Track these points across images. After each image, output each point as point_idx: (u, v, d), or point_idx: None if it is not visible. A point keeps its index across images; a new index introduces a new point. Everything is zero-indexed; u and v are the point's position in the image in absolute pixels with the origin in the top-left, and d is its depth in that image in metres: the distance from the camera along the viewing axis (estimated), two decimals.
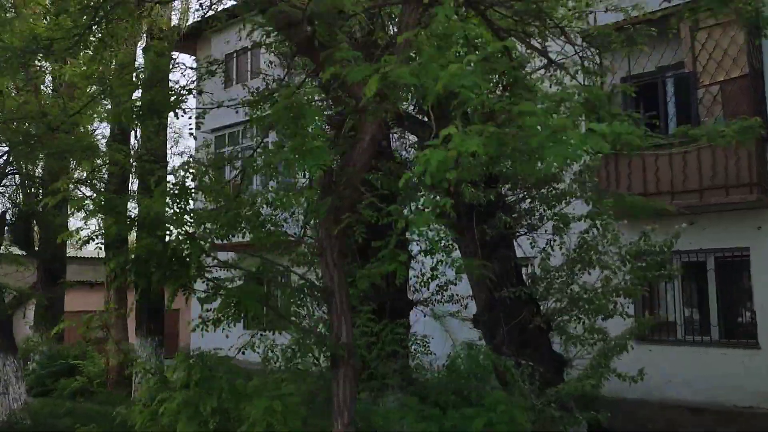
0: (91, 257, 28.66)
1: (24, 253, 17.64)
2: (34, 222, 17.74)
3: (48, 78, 15.13)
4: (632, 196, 6.36)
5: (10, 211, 13.08)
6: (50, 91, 14.20)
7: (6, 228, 12.25)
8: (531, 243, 6.77)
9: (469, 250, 6.71)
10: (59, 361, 16.77)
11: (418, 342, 7.15)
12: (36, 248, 18.01)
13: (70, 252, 20.64)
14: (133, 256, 3.96)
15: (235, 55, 19.46)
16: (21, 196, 16.57)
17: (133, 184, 15.99)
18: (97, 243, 4.38)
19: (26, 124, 8.66)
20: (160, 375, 4.35)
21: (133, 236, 7.18)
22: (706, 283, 10.97)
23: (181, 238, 3.37)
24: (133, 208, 14.88)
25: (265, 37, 7.24)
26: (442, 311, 9.10)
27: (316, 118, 5.33)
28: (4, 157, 9.95)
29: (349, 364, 3.78)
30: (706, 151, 9.78)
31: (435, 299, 8.14)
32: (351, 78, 2.99)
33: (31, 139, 8.82)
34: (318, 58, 3.92)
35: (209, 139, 18.95)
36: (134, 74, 14.73)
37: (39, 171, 16.87)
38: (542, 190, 6.82)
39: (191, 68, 11.79)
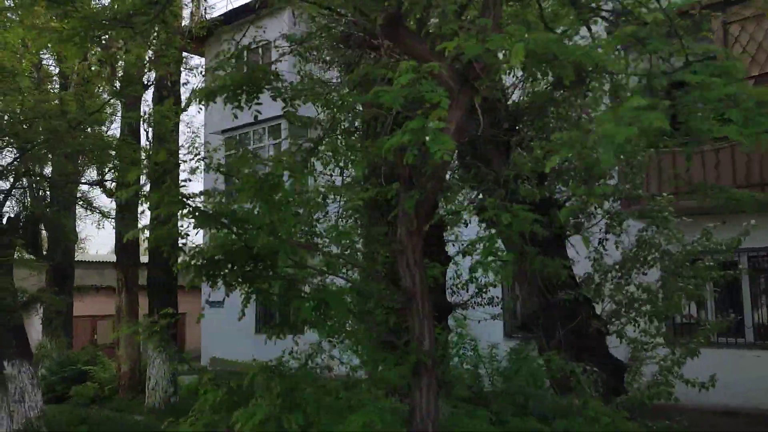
0: (95, 261, 28.33)
1: (32, 257, 17.34)
2: (42, 225, 17.44)
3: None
4: (735, 190, 5.93)
5: (17, 215, 12.74)
6: (55, 91, 13.93)
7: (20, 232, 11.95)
8: (585, 241, 6.47)
9: (516, 250, 6.42)
10: (69, 367, 16.45)
11: (465, 346, 6.85)
12: (44, 252, 17.69)
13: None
14: (192, 254, 3.63)
15: (244, 54, 19.17)
16: (29, 199, 16.26)
17: (146, 186, 15.67)
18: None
19: (47, 121, 8.35)
20: (229, 387, 4.02)
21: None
22: (739, 283, 10.71)
23: (269, 236, 3.04)
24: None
25: (312, 24, 6.93)
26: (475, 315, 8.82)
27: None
28: (13, 158, 9.60)
29: (433, 372, 3.49)
30: (727, 151, 9.52)
31: (474, 302, 7.87)
32: (469, 52, 2.70)
33: (53, 137, 8.51)
34: (404, 38, 3.62)
35: (219, 140, 18.60)
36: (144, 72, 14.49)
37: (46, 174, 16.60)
38: (595, 185, 6.53)
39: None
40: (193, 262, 3.49)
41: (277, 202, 3.16)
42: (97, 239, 59.52)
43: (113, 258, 31.69)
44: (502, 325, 14.03)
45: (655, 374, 5.42)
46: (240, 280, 3.42)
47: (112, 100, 11.28)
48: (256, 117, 5.60)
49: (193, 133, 13.65)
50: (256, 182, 3.08)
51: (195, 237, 18.72)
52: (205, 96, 4.49)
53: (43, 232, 17.90)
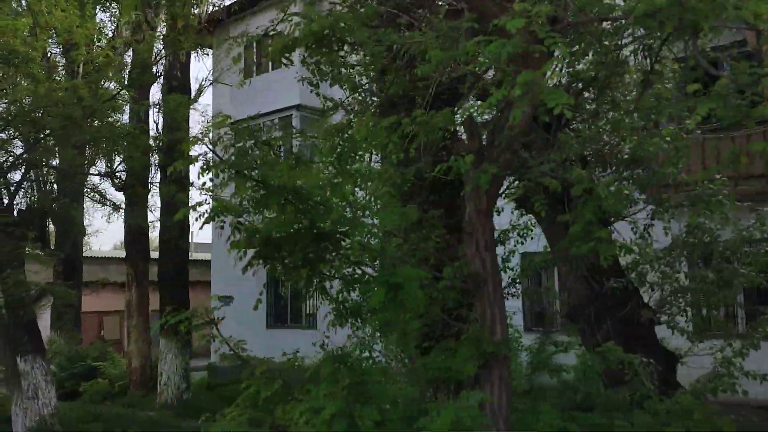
0: (100, 257, 28.06)
1: (39, 251, 17.05)
2: (49, 219, 17.13)
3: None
4: None
5: (28, 207, 12.43)
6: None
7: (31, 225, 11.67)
8: (633, 228, 6.19)
9: (560, 237, 6.14)
10: (79, 363, 16.18)
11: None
12: (52, 246, 17.39)
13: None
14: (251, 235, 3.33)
15: (254, 44, 18.88)
16: (35, 192, 15.94)
17: (155, 176, 15.38)
18: (219, 221, 3.76)
19: (61, 108, 8.04)
20: (284, 381, 3.73)
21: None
22: None
23: (339, 215, 2.73)
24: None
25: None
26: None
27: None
28: (26, 148, 9.27)
29: (506, 364, 3.21)
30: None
31: (509, 292, 7.57)
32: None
33: (68, 123, 8.20)
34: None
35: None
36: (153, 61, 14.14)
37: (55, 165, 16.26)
38: (637, 171, 6.24)
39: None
40: (243, 243, 3.16)
41: (352, 173, 2.86)
42: (99, 234, 58.91)
43: (117, 253, 31.47)
44: (522, 318, 13.77)
45: (714, 366, 5.14)
46: (300, 263, 3.10)
47: (123, 90, 10.95)
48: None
49: (208, 122, 13.26)
50: (332, 150, 2.77)
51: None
52: (282, 49, 4.06)
53: (51, 226, 17.62)
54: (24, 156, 8.30)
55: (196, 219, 4.01)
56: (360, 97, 8.20)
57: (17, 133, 8.62)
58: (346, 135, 3.32)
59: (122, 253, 30.20)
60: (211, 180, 3.48)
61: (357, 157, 3.51)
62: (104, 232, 57.26)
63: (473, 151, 3.22)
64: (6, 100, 8.18)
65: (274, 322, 18.57)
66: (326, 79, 8.31)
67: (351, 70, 8.42)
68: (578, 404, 4.82)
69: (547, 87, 2.28)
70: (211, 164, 3.32)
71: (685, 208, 5.84)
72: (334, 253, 3.16)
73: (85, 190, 14.92)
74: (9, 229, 9.27)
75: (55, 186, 15.83)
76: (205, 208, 3.87)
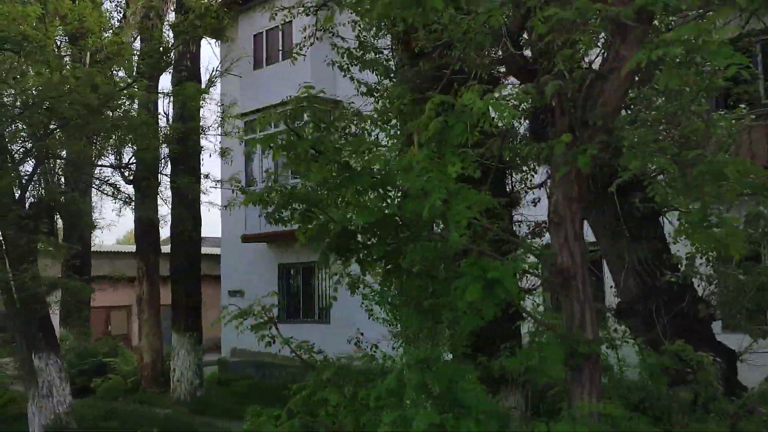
0: (106, 251, 27.75)
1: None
2: (57, 213, 16.82)
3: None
4: None
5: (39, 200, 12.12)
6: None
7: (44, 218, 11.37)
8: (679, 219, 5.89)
9: (609, 229, 5.85)
10: (89, 359, 15.92)
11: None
12: (59, 240, 17.10)
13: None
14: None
15: (264, 34, 18.54)
16: (42, 185, 15.63)
17: (164, 168, 15.04)
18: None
19: (79, 95, 7.73)
20: (355, 390, 3.43)
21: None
22: None
23: (431, 203, 2.42)
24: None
25: None
26: None
27: None
28: (41, 136, 8.94)
29: (597, 366, 2.93)
30: None
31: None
32: None
33: (86, 111, 7.89)
34: None
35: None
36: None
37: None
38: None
39: None
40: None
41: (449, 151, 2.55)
42: (112, 228, 57.91)
43: (122, 247, 31.16)
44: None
45: None
46: (380, 256, 2.79)
47: (136, 79, 10.61)
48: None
49: (223, 111, 12.92)
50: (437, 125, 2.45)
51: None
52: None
53: (59, 221, 17.30)
54: (37, 145, 7.98)
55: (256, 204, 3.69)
56: (390, 83, 7.87)
57: (29, 123, 8.29)
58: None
59: (127, 248, 29.96)
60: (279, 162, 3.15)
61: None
62: (116, 225, 56.25)
63: (563, 131, 2.92)
64: (15, 90, 7.87)
65: (287, 316, 18.27)
66: (356, 63, 7.99)
67: (382, 55, 8.11)
68: (635, 405, 4.52)
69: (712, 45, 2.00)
70: (287, 142, 2.98)
71: (746, 196, 5.53)
72: (413, 245, 2.86)
73: (93, 182, 14.57)
74: (23, 222, 8.98)
75: (62, 179, 15.53)
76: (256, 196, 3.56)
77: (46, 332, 10.31)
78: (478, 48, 6.24)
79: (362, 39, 7.80)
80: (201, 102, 11.93)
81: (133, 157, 14.88)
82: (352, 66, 7.86)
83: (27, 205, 10.69)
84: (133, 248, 30.73)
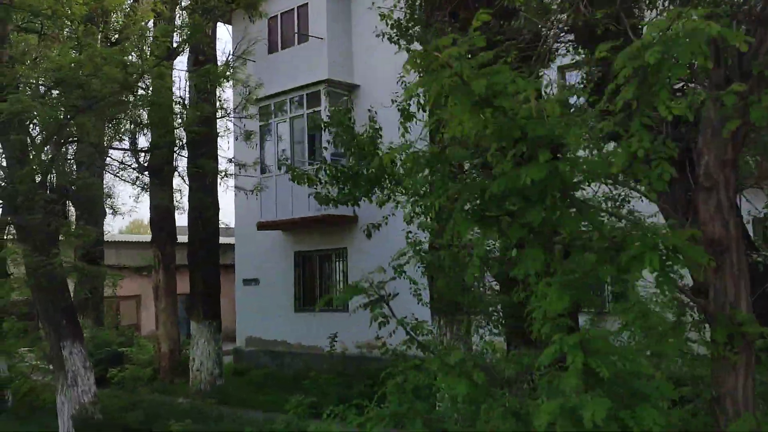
0: (113, 241, 27.41)
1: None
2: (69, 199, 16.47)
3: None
4: None
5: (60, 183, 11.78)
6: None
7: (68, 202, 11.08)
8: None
9: (682, 205, 5.57)
10: (105, 348, 15.63)
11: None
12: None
13: None
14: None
15: (279, 18, 18.12)
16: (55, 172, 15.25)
17: (181, 153, 14.68)
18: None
19: (110, 71, 7.40)
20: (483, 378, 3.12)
21: None
22: None
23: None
24: None
25: None
26: None
27: None
28: (69, 117, 8.59)
29: (752, 348, 2.65)
30: None
31: None
32: None
33: (118, 89, 7.57)
34: None
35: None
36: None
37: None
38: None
39: None
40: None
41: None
42: (132, 213, 56.66)
43: (130, 237, 30.80)
44: None
45: None
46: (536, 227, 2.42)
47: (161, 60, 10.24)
48: None
49: (249, 93, 12.53)
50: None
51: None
52: None
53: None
54: (64, 126, 7.65)
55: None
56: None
57: (58, 102, 7.95)
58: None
59: (133, 237, 29.59)
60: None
61: None
62: (136, 211, 55.08)
63: (719, 85, 2.63)
64: (37, 70, 7.53)
65: (303, 305, 17.99)
66: (407, 37, 7.65)
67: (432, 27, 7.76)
68: None
69: None
70: (452, 83, 2.62)
71: None
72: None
73: (109, 166, 14.20)
74: (48, 206, 8.67)
75: (74, 166, 15.17)
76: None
77: (70, 321, 10.01)
78: (541, 13, 5.92)
79: (411, 10, 7.45)
80: (225, 84, 11.56)
81: (150, 142, 14.59)
82: (402, 39, 7.51)
83: (48, 189, 10.36)
84: (138, 238, 30.48)
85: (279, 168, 16.31)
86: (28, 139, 9.49)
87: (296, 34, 17.43)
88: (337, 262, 17.34)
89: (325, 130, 7.58)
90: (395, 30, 7.47)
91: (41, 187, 9.39)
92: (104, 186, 17.32)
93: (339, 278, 17.24)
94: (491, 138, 2.25)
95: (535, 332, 2.57)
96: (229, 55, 15.03)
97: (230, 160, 13.16)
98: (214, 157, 14.42)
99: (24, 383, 11.82)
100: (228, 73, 10.43)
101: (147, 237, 32.23)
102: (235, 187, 13.39)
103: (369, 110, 8.24)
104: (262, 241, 18.31)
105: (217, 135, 14.43)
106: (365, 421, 3.61)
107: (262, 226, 17.26)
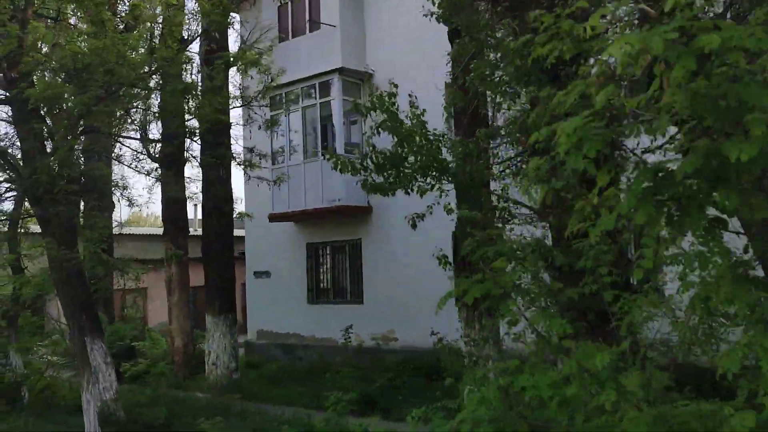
0: (116, 234, 27.02)
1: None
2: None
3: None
4: None
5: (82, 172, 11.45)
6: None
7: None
8: None
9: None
10: (117, 342, 15.37)
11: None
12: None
13: None
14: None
15: (289, 5, 17.76)
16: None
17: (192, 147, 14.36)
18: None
19: (137, 56, 7.12)
20: (618, 383, 2.85)
21: None
22: None
23: None
24: None
25: None
26: None
27: None
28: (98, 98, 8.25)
29: None
30: None
31: None
32: None
33: (145, 75, 7.30)
34: None
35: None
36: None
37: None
38: None
39: None
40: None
41: None
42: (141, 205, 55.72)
43: (134, 230, 30.45)
44: None
45: None
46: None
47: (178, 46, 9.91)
48: None
49: (272, 80, 12.18)
50: None
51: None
52: None
53: None
54: (93, 110, 7.36)
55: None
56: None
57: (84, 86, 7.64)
58: None
59: (136, 230, 29.23)
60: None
61: None
62: (153, 203, 54.11)
63: None
64: (69, 51, 7.22)
65: (316, 297, 17.75)
66: (455, 21, 7.33)
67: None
68: None
69: None
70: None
71: None
72: None
73: (119, 156, 13.87)
74: (71, 198, 8.38)
75: (81, 159, 14.83)
76: None
77: (90, 316, 9.75)
78: None
79: None
80: (246, 71, 11.23)
81: (161, 132, 14.27)
82: (452, 18, 7.17)
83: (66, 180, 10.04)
84: (142, 230, 30.10)
85: (307, 156, 16.11)
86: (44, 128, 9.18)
87: (308, 22, 17.10)
88: (352, 254, 17.09)
89: (366, 117, 7.26)
90: (443, 8, 7.12)
91: (61, 177, 9.08)
92: (119, 177, 17.02)
93: (353, 270, 17.01)
94: (701, 107, 1.97)
95: None
96: (243, 42, 14.66)
97: (251, 150, 12.81)
98: (228, 147, 14.12)
99: (39, 380, 11.57)
100: (257, 56, 10.09)
101: (149, 229, 31.86)
102: (257, 177, 13.04)
103: (410, 95, 7.96)
104: (273, 232, 18.05)
105: (230, 125, 14.09)
106: (459, 424, 3.36)
107: (274, 218, 16.99)
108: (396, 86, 7.36)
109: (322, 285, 17.83)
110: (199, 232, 18.63)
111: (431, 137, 6.36)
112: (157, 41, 8.93)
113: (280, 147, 15.03)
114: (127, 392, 11.25)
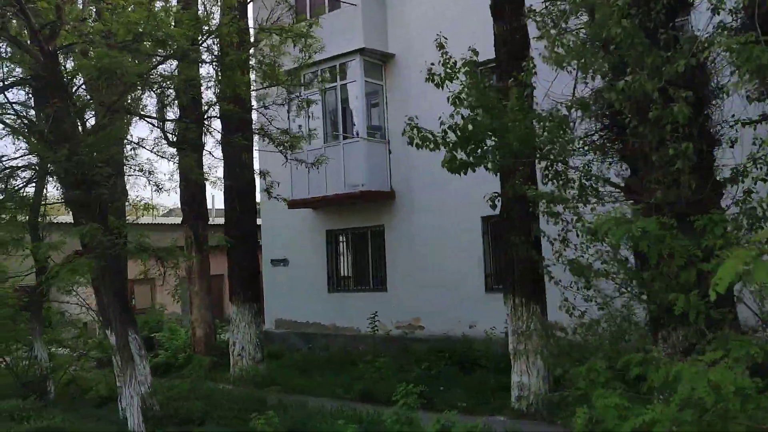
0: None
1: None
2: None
3: None
4: None
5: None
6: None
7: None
8: None
9: None
10: None
11: None
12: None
13: None
14: None
15: None
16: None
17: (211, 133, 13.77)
18: None
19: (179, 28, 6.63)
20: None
21: None
22: None
23: None
24: None
25: None
26: None
27: None
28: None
29: None
30: None
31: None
32: None
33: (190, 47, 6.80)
34: None
35: None
36: None
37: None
38: None
39: None
40: None
41: None
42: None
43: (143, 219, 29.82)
44: None
45: None
46: None
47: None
48: None
49: (309, 56, 11.59)
50: None
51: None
52: None
53: None
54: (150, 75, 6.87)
55: None
56: None
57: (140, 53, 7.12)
58: None
59: (144, 219, 28.61)
60: None
61: None
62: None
63: None
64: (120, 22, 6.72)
65: (336, 285, 17.33)
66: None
67: None
68: None
69: None
70: None
71: None
72: None
73: (143, 140, 13.32)
74: (110, 182, 7.88)
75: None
76: None
77: (122, 306, 9.27)
78: None
79: None
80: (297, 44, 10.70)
81: (179, 115, 13.69)
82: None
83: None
84: (147, 220, 29.48)
85: (327, 140, 15.62)
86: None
87: (328, 0, 16.54)
88: (374, 241, 16.66)
89: (442, 86, 6.70)
90: None
91: (99, 159, 8.56)
92: (144, 161, 16.39)
93: (376, 257, 16.58)
94: None
95: None
96: (263, 22, 14.07)
97: (285, 131, 12.26)
98: (251, 130, 13.61)
99: (64, 373, 11.11)
100: (305, 29, 9.59)
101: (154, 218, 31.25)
102: (295, 160, 12.53)
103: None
104: (291, 220, 17.57)
105: (251, 107, 13.56)
106: (651, 423, 2.96)
107: (293, 205, 16.50)
108: (476, 53, 6.87)
109: (342, 273, 17.41)
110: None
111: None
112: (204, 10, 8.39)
113: (311, 129, 14.41)
114: (159, 385, 10.80)
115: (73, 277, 7.27)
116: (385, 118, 16.37)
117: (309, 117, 15.99)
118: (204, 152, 14.23)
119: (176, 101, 12.68)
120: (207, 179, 13.24)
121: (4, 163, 9.86)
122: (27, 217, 10.84)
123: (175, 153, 11.81)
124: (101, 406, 10.59)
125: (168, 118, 13.36)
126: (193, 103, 12.31)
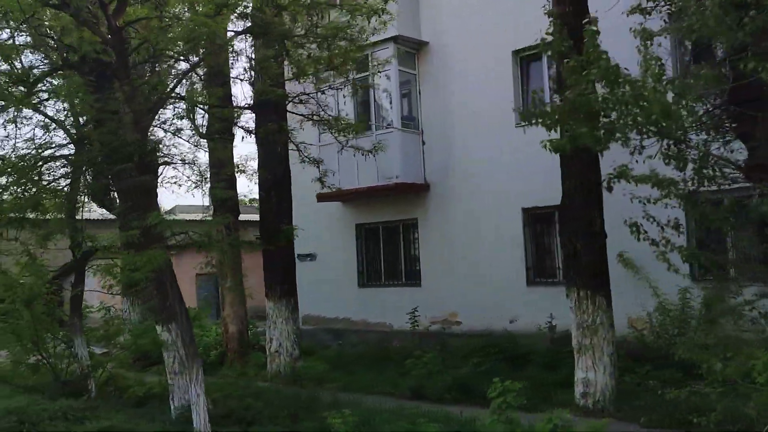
0: None
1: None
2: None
3: None
4: None
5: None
6: None
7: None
8: None
9: None
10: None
11: None
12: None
13: None
14: None
15: None
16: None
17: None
18: None
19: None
20: None
21: None
22: None
23: None
24: None
25: None
26: None
27: None
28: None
29: None
30: None
31: None
32: None
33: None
34: None
35: None
36: None
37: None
38: None
39: None
40: None
41: None
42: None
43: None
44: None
45: None
46: None
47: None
48: None
49: (367, 39, 11.13)
50: None
51: None
52: None
53: None
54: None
55: None
56: None
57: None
58: None
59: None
60: None
61: None
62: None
63: None
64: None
65: (367, 280, 16.92)
66: None
67: None
68: None
69: None
70: None
71: None
72: None
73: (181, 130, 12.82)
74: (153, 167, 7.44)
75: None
76: None
77: (173, 299, 8.80)
78: None
79: None
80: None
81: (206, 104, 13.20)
82: None
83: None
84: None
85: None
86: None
87: None
88: (406, 234, 16.26)
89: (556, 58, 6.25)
90: None
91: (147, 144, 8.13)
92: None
93: (409, 251, 16.19)
94: None
95: None
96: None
97: (336, 119, 11.81)
98: (286, 120, 13.17)
99: (103, 371, 10.68)
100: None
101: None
102: (352, 147, 12.10)
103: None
104: (319, 213, 17.14)
105: (286, 95, 13.08)
106: None
107: (322, 198, 16.06)
108: (596, 20, 6.46)
109: (373, 267, 17.00)
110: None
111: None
112: None
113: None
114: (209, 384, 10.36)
115: (151, 267, 6.83)
116: (419, 109, 15.95)
117: (341, 106, 15.58)
118: (240, 142, 13.82)
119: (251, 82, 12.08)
120: (244, 171, 12.84)
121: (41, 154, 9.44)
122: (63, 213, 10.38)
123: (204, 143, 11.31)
124: (139, 406, 10.19)
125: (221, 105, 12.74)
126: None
